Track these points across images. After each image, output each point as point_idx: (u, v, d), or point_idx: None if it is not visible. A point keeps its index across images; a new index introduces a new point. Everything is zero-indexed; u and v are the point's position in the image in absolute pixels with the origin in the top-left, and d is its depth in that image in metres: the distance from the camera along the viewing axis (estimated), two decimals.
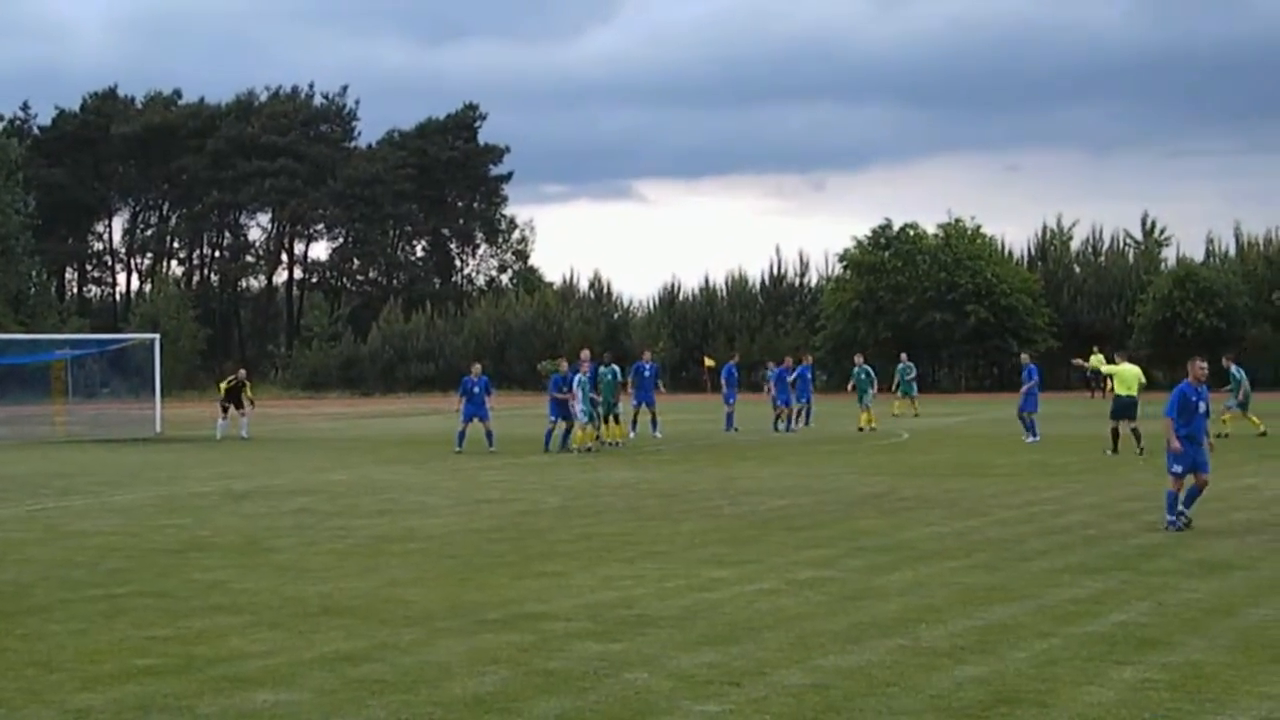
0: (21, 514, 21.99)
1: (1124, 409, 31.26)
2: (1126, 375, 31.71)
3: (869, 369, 43.69)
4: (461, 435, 34.85)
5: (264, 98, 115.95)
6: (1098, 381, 54.20)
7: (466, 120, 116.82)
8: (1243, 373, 36.82)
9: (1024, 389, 36.34)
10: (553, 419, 34.35)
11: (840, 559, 15.65)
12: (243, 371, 45.42)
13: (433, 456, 33.32)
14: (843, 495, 22.81)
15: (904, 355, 54.53)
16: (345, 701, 9.50)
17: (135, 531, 19.28)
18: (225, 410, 43.12)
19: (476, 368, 36.40)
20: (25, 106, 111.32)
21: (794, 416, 42.45)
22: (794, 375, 42.50)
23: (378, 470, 29.58)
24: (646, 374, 40.41)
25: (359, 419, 41.36)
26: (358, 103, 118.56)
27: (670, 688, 9.77)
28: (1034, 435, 35.22)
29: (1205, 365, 18.39)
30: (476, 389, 35.19)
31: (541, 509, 21.36)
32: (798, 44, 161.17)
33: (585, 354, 36.08)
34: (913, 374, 52.67)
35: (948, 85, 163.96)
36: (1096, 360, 35.39)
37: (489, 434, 34.69)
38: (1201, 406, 18.03)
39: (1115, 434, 31.13)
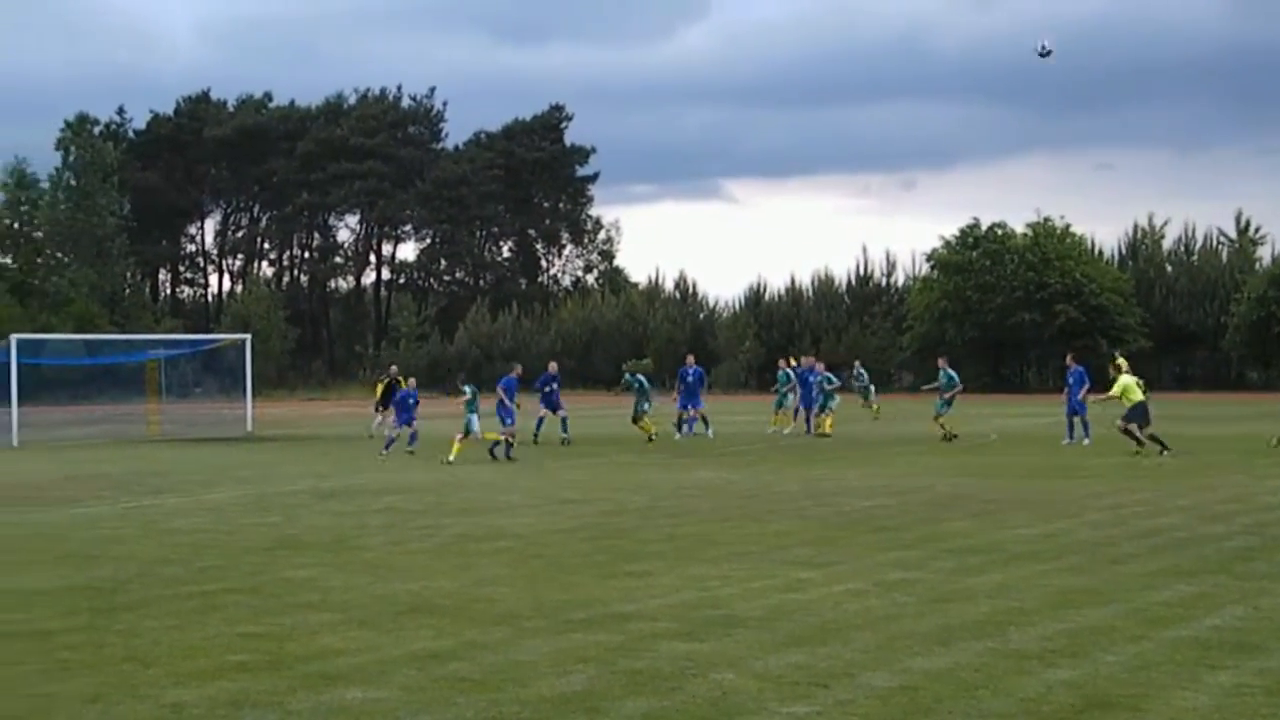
0: (118, 511, 22.28)
1: (1140, 413, 31.46)
2: (1132, 387, 31.92)
3: (790, 373, 42.75)
4: (414, 436, 35.89)
5: (353, 100, 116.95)
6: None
7: (553, 121, 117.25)
8: (954, 373, 37.82)
9: (1082, 389, 35.66)
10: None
11: (928, 560, 15.56)
12: (394, 368, 44.36)
13: (516, 456, 33.39)
14: (929, 496, 22.68)
15: (858, 362, 56.07)
16: (433, 699, 9.55)
17: (227, 529, 19.49)
18: (382, 408, 42.08)
19: (412, 381, 38.18)
20: (121, 111, 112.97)
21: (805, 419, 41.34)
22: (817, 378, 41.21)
23: (462, 469, 29.71)
24: (690, 379, 40.64)
25: (444, 419, 41.57)
26: (445, 104, 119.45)
27: (757, 688, 9.76)
28: (1070, 438, 34.89)
29: None
30: (411, 400, 36.39)
31: (626, 509, 21.38)
32: (886, 42, 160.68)
33: (553, 365, 38.83)
34: (865, 380, 52.60)
35: (1038, 83, 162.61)
36: (1121, 364, 35.30)
37: (413, 435, 35.78)
38: None
39: (1131, 434, 31.36)
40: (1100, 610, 12.48)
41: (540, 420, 39.02)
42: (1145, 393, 32.12)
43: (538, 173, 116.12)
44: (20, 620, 12.67)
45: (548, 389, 39.37)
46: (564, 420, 39.03)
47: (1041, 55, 37.68)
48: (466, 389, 33.83)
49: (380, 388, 42.67)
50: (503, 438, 32.66)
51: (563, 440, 38.00)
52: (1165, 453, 30.40)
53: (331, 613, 12.79)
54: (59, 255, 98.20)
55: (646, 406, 39.97)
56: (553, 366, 40.88)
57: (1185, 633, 11.49)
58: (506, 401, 33.27)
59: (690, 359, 42.70)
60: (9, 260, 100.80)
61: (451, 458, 31.47)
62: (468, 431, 32.67)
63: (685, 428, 40.30)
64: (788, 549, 16.69)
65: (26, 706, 9.54)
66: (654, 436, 38.73)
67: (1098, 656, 10.60)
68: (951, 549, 16.47)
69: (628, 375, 42.69)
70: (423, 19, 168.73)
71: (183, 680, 10.17)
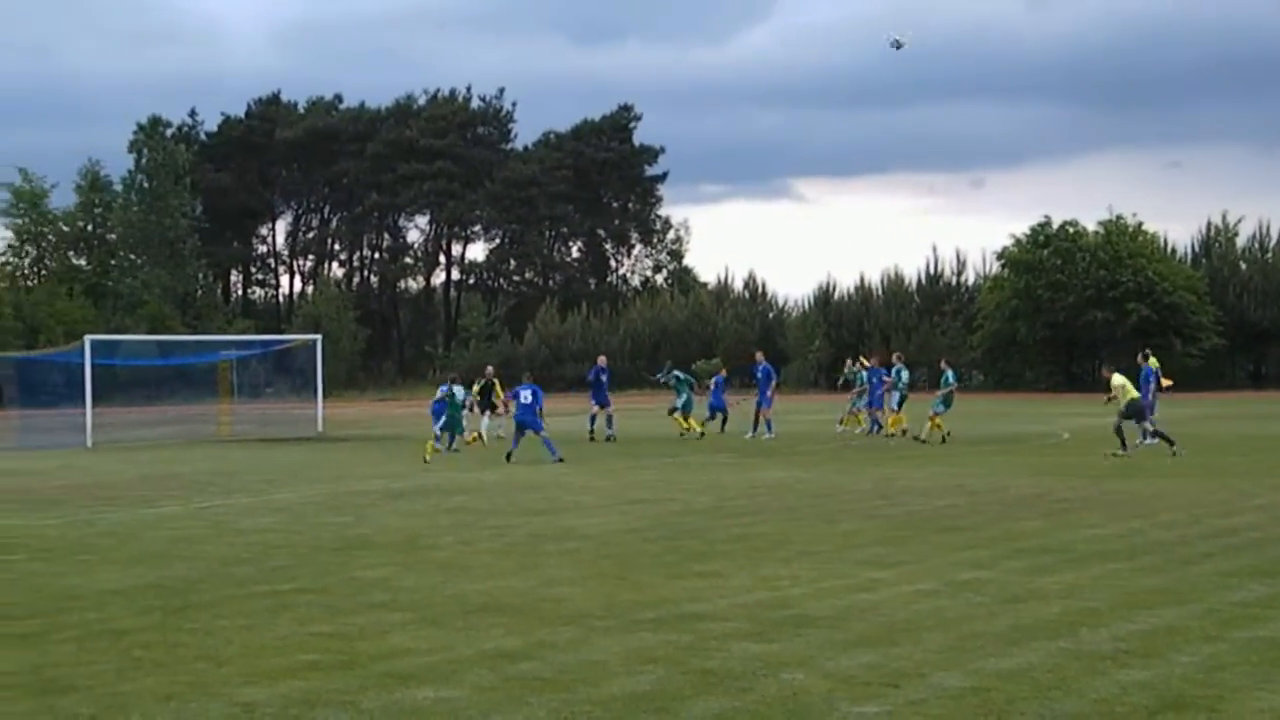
0: (190, 511, 22.48)
1: (1136, 410, 31.47)
2: (1128, 385, 32.06)
3: (864, 375, 41.63)
4: (453, 437, 36.25)
5: (422, 101, 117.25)
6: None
7: (622, 121, 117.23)
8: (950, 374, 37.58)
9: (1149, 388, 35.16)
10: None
11: (999, 560, 15.48)
12: (490, 369, 44.41)
13: (585, 456, 33.47)
14: (1001, 496, 22.55)
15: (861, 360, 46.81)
16: (504, 699, 9.58)
17: (298, 529, 19.62)
18: (484, 410, 41.44)
19: (453, 375, 38.16)
20: (193, 113, 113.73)
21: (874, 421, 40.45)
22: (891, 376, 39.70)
23: (532, 469, 29.77)
24: (758, 375, 40.80)
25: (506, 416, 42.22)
26: (514, 105, 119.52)
27: (828, 688, 9.73)
28: (1144, 438, 34.35)
29: None
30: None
31: (695, 509, 21.37)
32: (955, 41, 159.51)
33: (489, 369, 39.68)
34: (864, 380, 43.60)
35: (1109, 80, 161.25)
36: (1152, 362, 35.07)
37: (451, 436, 36.34)
38: None
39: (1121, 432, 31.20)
40: (1174, 610, 12.38)
41: (593, 417, 39.38)
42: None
43: (607, 173, 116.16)
44: (95, 619, 12.81)
45: (597, 382, 39.71)
46: (610, 417, 39.30)
47: (895, 47, 38.80)
48: (446, 387, 34.21)
49: (477, 388, 42.48)
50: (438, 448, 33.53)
51: (607, 437, 38.43)
52: (1120, 453, 30.36)
53: (403, 612, 12.86)
54: (132, 257, 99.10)
55: (680, 401, 40.64)
56: (602, 360, 41.35)
57: (1261, 633, 11.37)
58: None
59: (759, 355, 42.72)
60: (83, 262, 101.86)
61: (486, 441, 32.22)
62: (460, 427, 33.49)
63: (759, 428, 40.07)
64: (859, 548, 16.64)
65: (102, 705, 9.64)
66: (692, 434, 39.19)
67: (1172, 657, 10.51)
68: (1023, 549, 16.38)
69: (665, 374, 42.70)
70: (492, 19, 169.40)
71: (255, 679, 10.26)
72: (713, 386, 42.72)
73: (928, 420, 36.30)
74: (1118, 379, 32.15)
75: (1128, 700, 9.30)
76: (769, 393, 40.63)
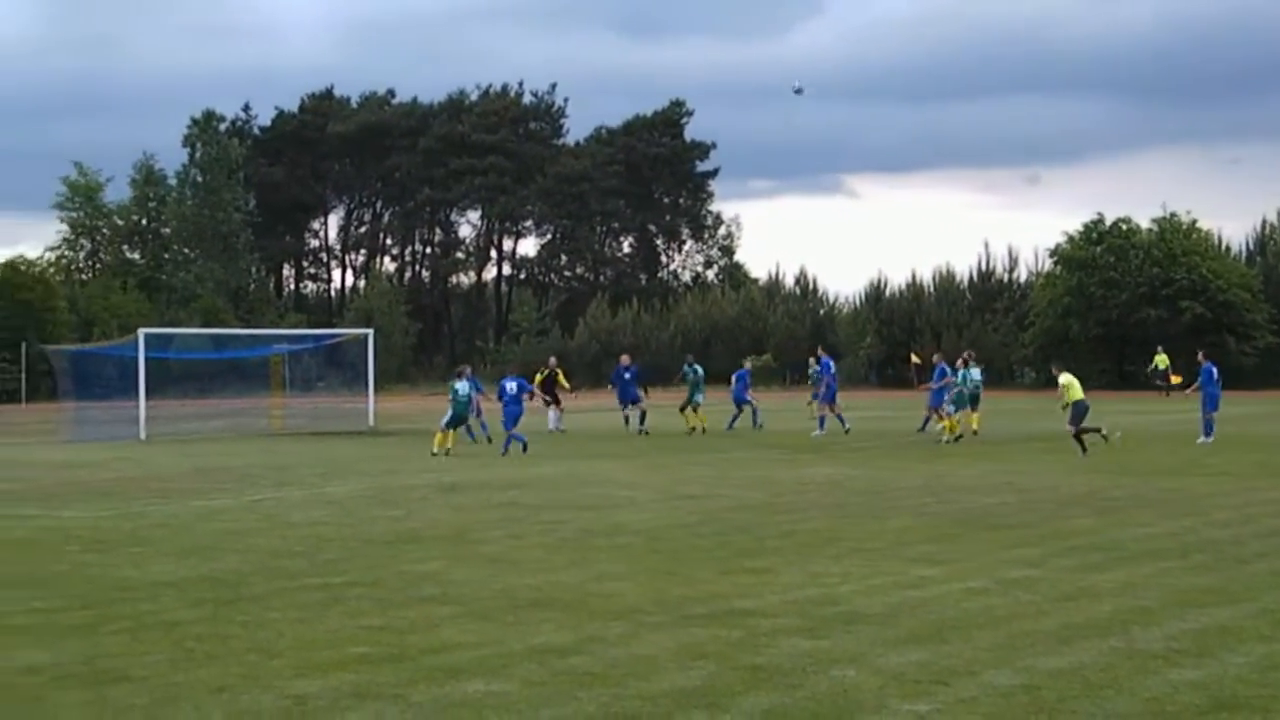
0: (243, 504, 22.61)
1: (1083, 411, 31.32)
2: (1075, 386, 31.91)
3: (698, 368, 41.80)
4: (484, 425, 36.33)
5: (474, 96, 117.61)
6: (1165, 382, 52.07)
7: (673, 117, 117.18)
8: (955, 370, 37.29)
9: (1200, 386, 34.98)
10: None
11: (1050, 558, 15.40)
12: (553, 360, 44.48)
13: (637, 451, 33.51)
14: (1051, 494, 22.42)
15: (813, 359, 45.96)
16: (554, 693, 9.61)
17: (349, 522, 19.71)
18: (548, 403, 41.84)
19: (466, 368, 37.20)
20: (246, 108, 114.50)
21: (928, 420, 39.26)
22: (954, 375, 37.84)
23: (583, 464, 29.81)
24: (824, 372, 40.88)
25: (565, 412, 42.22)
26: (566, 100, 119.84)
27: (878, 685, 9.72)
28: (1207, 435, 34.15)
29: None
30: (476, 390, 35.63)
31: (746, 505, 21.36)
32: (1011, 36, 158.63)
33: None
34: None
35: (1167, 76, 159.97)
36: (1161, 359, 34.94)
37: (483, 425, 36.44)
38: None
39: (1081, 437, 31.09)
40: (1227, 610, 12.29)
41: (627, 416, 39.87)
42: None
43: (658, 168, 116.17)
44: (147, 611, 12.92)
45: (621, 380, 40.21)
46: (630, 415, 39.84)
47: (796, 92, 40.20)
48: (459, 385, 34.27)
49: (539, 379, 42.49)
50: (443, 441, 33.40)
51: (628, 425, 39.91)
52: (1106, 437, 31.19)
53: (452, 606, 12.90)
54: (186, 251, 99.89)
55: (699, 398, 40.69)
56: (625, 359, 41.90)
57: None
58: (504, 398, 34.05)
59: (821, 351, 42.66)
60: (137, 256, 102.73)
61: (435, 449, 32.83)
62: (456, 424, 33.92)
63: (835, 423, 39.69)
64: (909, 545, 16.60)
65: (154, 696, 9.71)
66: (699, 430, 39.40)
67: (1224, 657, 10.44)
68: (1074, 547, 16.30)
69: (685, 367, 42.58)
70: (544, 15, 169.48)
71: (306, 671, 10.32)
72: (734, 382, 42.60)
73: (936, 417, 36.52)
74: (1064, 378, 32.01)
75: (1179, 700, 9.25)
76: (822, 389, 40.42)
